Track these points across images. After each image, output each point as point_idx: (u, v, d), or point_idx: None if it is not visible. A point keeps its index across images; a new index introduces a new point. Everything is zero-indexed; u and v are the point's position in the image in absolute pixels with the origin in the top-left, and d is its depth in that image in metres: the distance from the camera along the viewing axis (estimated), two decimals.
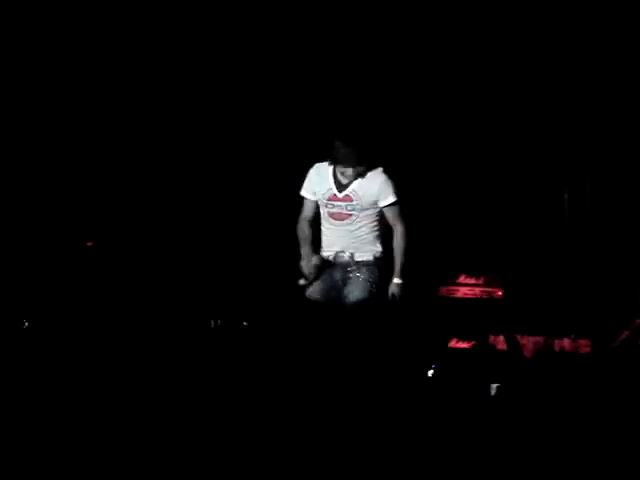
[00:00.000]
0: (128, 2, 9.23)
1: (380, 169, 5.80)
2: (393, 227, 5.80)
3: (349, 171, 5.72)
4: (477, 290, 8.90)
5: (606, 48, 9.12)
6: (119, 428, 4.99)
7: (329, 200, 5.79)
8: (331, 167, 5.74)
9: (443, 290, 8.97)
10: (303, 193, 5.84)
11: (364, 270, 5.71)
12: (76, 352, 7.57)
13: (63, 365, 7.07)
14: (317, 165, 5.83)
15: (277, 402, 5.62)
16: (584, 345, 8.47)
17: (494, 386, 6.92)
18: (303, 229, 5.84)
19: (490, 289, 8.89)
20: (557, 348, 8.35)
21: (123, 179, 9.50)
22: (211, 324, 8.82)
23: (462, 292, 8.94)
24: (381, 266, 5.73)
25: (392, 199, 5.74)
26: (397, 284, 5.72)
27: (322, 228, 5.89)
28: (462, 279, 8.99)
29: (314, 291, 5.77)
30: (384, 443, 5.28)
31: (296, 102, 9.24)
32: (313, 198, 5.81)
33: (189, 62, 9.48)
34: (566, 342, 8.39)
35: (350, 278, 5.73)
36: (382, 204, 5.74)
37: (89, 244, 9.19)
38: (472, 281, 8.95)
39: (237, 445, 4.82)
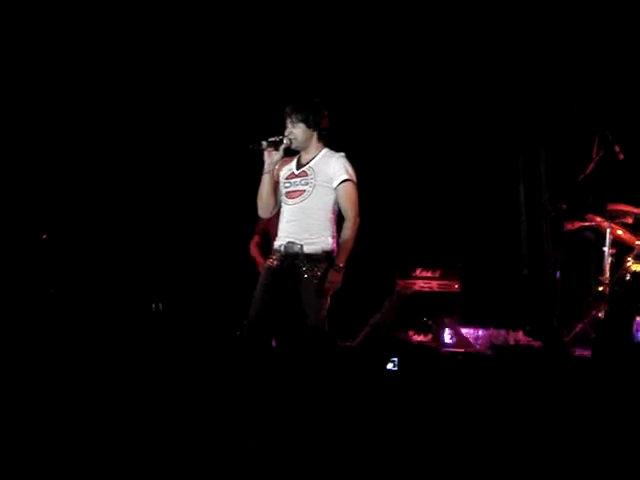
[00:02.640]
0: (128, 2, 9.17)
1: (342, 153, 5.85)
2: (344, 213, 5.80)
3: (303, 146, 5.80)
4: (434, 283, 8.92)
5: (562, 46, 9.18)
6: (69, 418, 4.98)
7: (287, 179, 5.87)
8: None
9: (400, 283, 8.98)
10: None
11: (314, 270, 5.69)
12: (29, 343, 7.52)
13: (15, 357, 7.02)
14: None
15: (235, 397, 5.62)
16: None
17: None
18: None
19: (447, 282, 8.90)
20: (512, 341, 8.38)
21: (76, 171, 9.46)
22: (153, 308, 8.80)
23: (419, 285, 8.95)
24: (330, 262, 5.72)
25: (345, 177, 5.76)
26: (334, 269, 5.69)
27: (279, 217, 5.92)
28: (419, 272, 9.00)
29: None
30: (350, 438, 5.31)
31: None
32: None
33: (180, 67, 9.47)
34: (520, 334, 8.43)
35: (299, 284, 5.71)
36: (335, 183, 5.75)
37: (44, 237, 9.11)
38: (429, 274, 8.96)
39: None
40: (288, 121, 5.87)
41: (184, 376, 6.75)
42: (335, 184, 5.76)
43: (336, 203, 5.79)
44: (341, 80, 9.50)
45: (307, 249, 5.71)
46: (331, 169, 5.79)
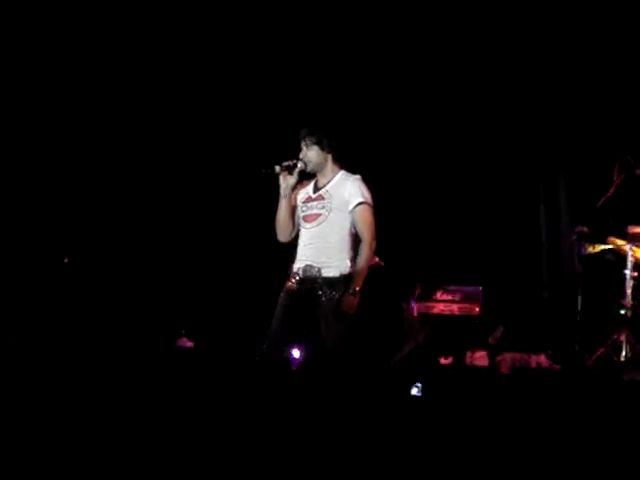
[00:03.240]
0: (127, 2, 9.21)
1: (358, 175, 5.86)
2: (360, 236, 5.80)
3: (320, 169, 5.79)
4: (454, 306, 8.90)
5: (578, 67, 9.18)
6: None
7: (304, 203, 5.89)
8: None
9: (420, 306, 8.97)
10: None
11: (332, 293, 5.69)
12: (51, 367, 7.52)
13: (36, 379, 7.03)
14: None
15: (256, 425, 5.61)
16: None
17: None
18: None
19: (467, 305, 8.89)
20: (534, 364, 8.35)
21: (99, 195, 9.48)
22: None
23: (439, 308, 8.94)
24: (348, 284, 5.73)
25: (360, 199, 5.76)
26: (350, 293, 5.70)
27: (298, 241, 5.93)
28: (439, 295, 8.99)
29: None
30: (371, 463, 5.28)
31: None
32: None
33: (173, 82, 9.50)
34: (542, 358, 8.40)
35: (317, 308, 5.71)
36: (351, 206, 5.76)
37: (65, 260, 9.14)
38: (449, 297, 8.95)
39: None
40: (302, 144, 5.89)
41: (201, 399, 6.73)
42: (351, 207, 5.77)
43: (353, 226, 5.80)
44: (358, 101, 9.52)
45: (325, 272, 5.72)
46: (347, 192, 5.81)
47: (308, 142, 5.87)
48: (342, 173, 5.92)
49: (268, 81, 9.48)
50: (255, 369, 5.84)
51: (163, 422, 5.95)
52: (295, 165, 5.85)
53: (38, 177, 9.35)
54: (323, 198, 5.83)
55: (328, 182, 5.88)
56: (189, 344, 8.69)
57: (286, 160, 5.90)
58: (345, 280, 5.71)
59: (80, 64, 9.29)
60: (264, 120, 9.46)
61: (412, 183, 9.73)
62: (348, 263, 5.76)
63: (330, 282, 5.69)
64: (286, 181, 5.85)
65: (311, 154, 5.88)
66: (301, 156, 5.88)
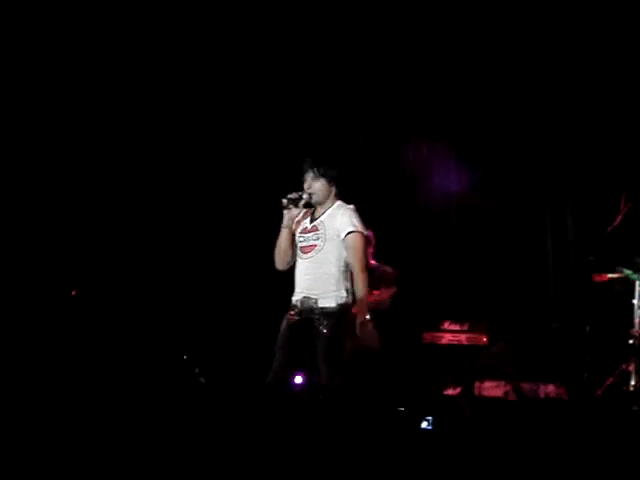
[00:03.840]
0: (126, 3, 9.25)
1: (352, 205, 5.89)
2: (350, 265, 5.82)
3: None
4: (462, 336, 8.89)
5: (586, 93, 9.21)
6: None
7: (300, 234, 5.92)
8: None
9: (427, 337, 8.96)
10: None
11: (330, 324, 5.72)
12: (60, 400, 7.53)
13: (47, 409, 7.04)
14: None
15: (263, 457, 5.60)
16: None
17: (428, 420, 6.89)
18: None
19: (475, 335, 8.87)
20: (542, 394, 8.33)
21: (104, 228, 9.50)
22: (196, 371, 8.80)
23: (447, 339, 8.93)
24: (345, 314, 5.77)
25: (350, 229, 5.79)
26: (361, 325, 5.73)
27: (295, 272, 5.96)
28: (446, 325, 8.99)
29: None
30: None
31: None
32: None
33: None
34: (551, 388, 8.37)
35: (316, 339, 5.74)
36: (342, 235, 5.79)
37: (73, 293, 9.14)
38: (457, 327, 8.94)
39: None
40: (308, 175, 5.92)
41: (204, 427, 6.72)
42: (342, 236, 5.81)
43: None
44: (362, 131, 9.57)
45: (321, 303, 5.75)
46: (338, 222, 5.85)
47: (315, 174, 5.90)
48: (338, 204, 5.96)
49: (272, 103, 9.52)
50: (261, 401, 5.85)
51: (171, 447, 5.94)
52: (301, 197, 5.88)
53: (43, 202, 9.36)
54: (317, 229, 5.88)
55: (323, 213, 5.93)
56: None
57: (291, 192, 5.93)
58: (341, 310, 5.75)
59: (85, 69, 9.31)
60: (269, 148, 9.49)
61: (419, 216, 9.76)
62: (344, 293, 5.81)
63: (327, 313, 5.73)
64: (290, 213, 5.89)
65: (317, 186, 5.91)
66: (306, 187, 5.91)
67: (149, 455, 5.67)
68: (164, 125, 9.54)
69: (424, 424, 6.91)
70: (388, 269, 8.20)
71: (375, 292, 7.87)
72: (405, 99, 9.57)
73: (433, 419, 6.77)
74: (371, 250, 8.25)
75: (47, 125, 9.29)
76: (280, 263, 6.01)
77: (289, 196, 5.87)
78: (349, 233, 5.79)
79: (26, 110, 9.18)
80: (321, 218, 5.91)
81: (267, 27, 9.28)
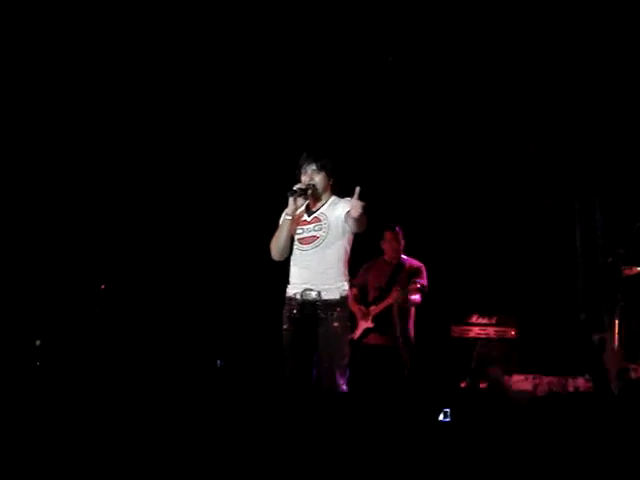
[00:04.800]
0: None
1: (348, 198, 5.91)
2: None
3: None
4: (490, 330, 8.86)
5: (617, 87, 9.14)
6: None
7: (299, 226, 5.93)
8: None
9: (455, 330, 8.94)
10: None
11: (333, 317, 5.72)
12: (87, 398, 7.58)
13: (72, 410, 7.08)
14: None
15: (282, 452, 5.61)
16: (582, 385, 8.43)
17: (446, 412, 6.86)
18: None
19: (503, 329, 8.85)
20: (571, 387, 8.29)
21: (135, 224, 9.57)
22: (217, 364, 8.85)
23: (475, 332, 8.90)
24: (347, 307, 5.78)
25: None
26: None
27: (291, 264, 5.95)
28: (475, 319, 8.96)
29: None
30: None
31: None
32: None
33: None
34: (580, 381, 8.34)
35: (320, 331, 5.74)
36: (344, 213, 5.79)
37: (102, 287, 9.21)
38: (485, 321, 8.92)
39: None
40: (309, 168, 5.95)
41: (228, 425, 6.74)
42: (344, 213, 5.82)
43: (348, 245, 5.87)
44: (384, 126, 9.55)
45: (325, 295, 5.77)
46: (339, 209, 5.89)
47: (315, 167, 5.94)
48: (334, 198, 6.04)
49: (268, 100, 9.52)
50: (282, 395, 5.86)
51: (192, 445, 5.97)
52: (308, 188, 5.92)
53: (70, 205, 9.45)
54: (319, 220, 5.92)
55: (322, 205, 5.97)
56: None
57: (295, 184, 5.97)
58: (344, 302, 5.77)
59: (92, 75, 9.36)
60: (266, 148, 9.51)
61: (447, 208, 9.73)
62: (345, 285, 5.85)
63: (330, 304, 5.74)
64: (296, 203, 5.91)
65: (318, 179, 5.97)
66: (307, 180, 5.94)
67: (166, 446, 5.70)
68: (180, 124, 9.61)
69: (441, 416, 6.90)
70: (416, 263, 8.22)
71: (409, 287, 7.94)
72: (430, 92, 9.52)
73: (451, 411, 6.76)
74: (401, 245, 8.26)
75: (67, 130, 9.41)
76: (279, 254, 6.02)
77: (298, 186, 5.90)
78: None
79: (42, 112, 9.29)
80: (321, 210, 5.96)
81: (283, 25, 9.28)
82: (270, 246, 6.03)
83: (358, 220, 5.68)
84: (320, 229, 5.89)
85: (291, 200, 5.87)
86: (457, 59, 9.26)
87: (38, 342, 8.65)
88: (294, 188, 5.88)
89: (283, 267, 6.12)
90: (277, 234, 5.98)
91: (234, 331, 9.46)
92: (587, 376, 8.36)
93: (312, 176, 5.93)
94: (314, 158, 5.96)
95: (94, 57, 9.29)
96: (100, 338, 8.91)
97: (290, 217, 5.93)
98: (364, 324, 8.11)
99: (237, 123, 9.63)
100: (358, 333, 8.10)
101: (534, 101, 9.48)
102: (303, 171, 5.97)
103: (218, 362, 8.80)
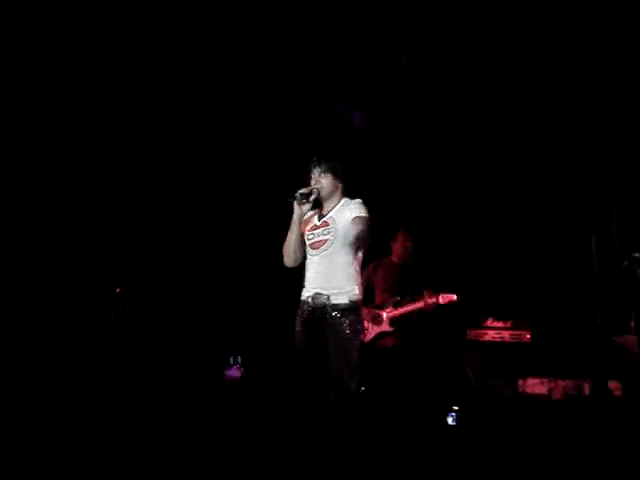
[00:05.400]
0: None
1: (359, 200, 5.91)
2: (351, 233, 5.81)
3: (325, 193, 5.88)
4: (505, 333, 8.85)
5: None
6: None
7: (309, 231, 5.95)
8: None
9: (471, 333, 8.93)
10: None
11: (342, 321, 5.71)
12: (100, 399, 7.61)
13: (85, 408, 7.11)
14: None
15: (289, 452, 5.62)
16: (615, 388, 8.39)
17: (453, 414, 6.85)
18: None
19: (518, 332, 8.83)
20: (587, 391, 8.27)
21: (150, 227, 9.61)
22: (230, 361, 8.86)
23: (490, 335, 8.89)
24: (357, 311, 5.75)
25: (358, 214, 5.81)
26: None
27: (305, 268, 5.96)
28: (490, 322, 8.95)
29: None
30: None
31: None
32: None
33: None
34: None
35: (330, 335, 5.74)
36: (350, 219, 5.80)
37: (117, 290, 9.23)
38: (500, 324, 8.90)
39: None
40: (315, 171, 5.96)
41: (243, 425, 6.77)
42: (350, 220, 5.82)
43: (359, 250, 5.86)
44: (397, 128, 9.54)
45: (334, 300, 5.76)
46: (348, 212, 5.88)
47: (322, 170, 5.95)
48: (345, 200, 6.01)
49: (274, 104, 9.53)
50: (292, 397, 5.86)
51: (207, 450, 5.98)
52: (311, 192, 5.91)
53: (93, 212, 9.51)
54: (328, 224, 5.92)
55: (332, 208, 5.96)
56: (237, 374, 8.71)
57: (300, 188, 5.96)
58: (355, 307, 5.76)
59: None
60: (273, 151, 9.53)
61: (464, 212, 9.72)
62: (356, 290, 5.81)
63: (339, 308, 5.74)
64: (300, 208, 5.91)
65: (324, 181, 5.97)
66: (313, 183, 5.95)
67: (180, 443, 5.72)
68: (191, 127, 9.64)
69: (449, 420, 6.88)
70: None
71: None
72: (444, 93, 9.52)
73: (458, 414, 6.74)
74: (410, 247, 8.25)
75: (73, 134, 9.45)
76: (289, 260, 6.01)
77: (301, 191, 5.90)
78: (356, 217, 5.82)
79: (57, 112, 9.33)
80: (330, 214, 5.95)
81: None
82: (282, 252, 6.03)
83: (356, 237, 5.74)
84: (328, 233, 5.88)
85: (295, 205, 5.88)
86: (471, 59, 9.25)
87: (51, 362, 8.70)
88: (296, 193, 5.88)
89: (300, 271, 6.12)
90: (286, 239, 5.99)
91: (250, 333, 9.46)
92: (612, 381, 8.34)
93: (319, 179, 5.93)
94: (320, 161, 5.96)
95: (94, 57, 9.30)
96: (116, 341, 8.92)
97: (295, 222, 5.92)
98: (377, 328, 8.08)
99: (254, 126, 9.64)
100: (370, 336, 8.08)
101: (550, 104, 9.46)
102: (312, 175, 5.98)
103: (231, 359, 8.80)
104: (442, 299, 7.89)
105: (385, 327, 8.07)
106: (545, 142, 9.61)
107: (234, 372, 8.59)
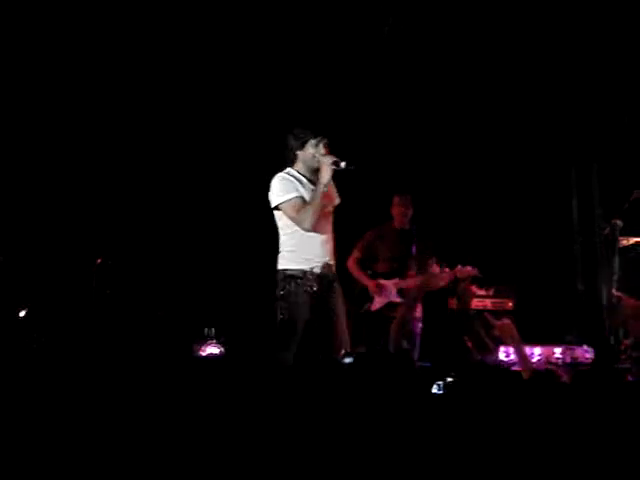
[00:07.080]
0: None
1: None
2: None
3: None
4: (487, 301, 8.86)
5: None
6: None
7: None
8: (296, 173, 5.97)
9: (453, 302, 8.93)
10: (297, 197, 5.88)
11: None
12: (79, 368, 7.59)
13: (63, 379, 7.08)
14: (282, 175, 5.93)
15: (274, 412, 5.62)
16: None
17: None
18: None
19: (500, 300, 8.84)
20: (569, 358, 8.32)
21: (130, 198, 9.58)
22: (205, 332, 8.87)
23: (473, 304, 8.90)
24: None
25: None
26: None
27: (299, 240, 5.92)
28: (472, 290, 8.95)
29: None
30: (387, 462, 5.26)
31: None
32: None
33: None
34: (578, 352, 8.37)
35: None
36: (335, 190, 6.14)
37: (98, 261, 9.21)
38: (482, 292, 8.90)
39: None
40: (325, 145, 6.00)
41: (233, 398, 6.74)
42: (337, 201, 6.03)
43: None
44: (382, 102, 9.50)
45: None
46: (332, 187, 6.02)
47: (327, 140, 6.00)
48: None
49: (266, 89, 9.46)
50: (279, 368, 5.87)
51: (186, 430, 5.96)
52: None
53: (68, 181, 9.47)
54: (330, 196, 6.00)
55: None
56: (216, 349, 8.70)
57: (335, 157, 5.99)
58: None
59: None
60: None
61: (443, 176, 9.69)
62: None
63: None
64: (330, 174, 5.88)
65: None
66: (337, 158, 5.94)
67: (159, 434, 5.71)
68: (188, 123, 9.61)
69: (434, 389, 6.90)
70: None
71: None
72: (426, 66, 9.45)
73: (444, 383, 6.76)
74: (410, 211, 8.23)
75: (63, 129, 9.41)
76: (313, 224, 5.95)
77: (340, 161, 5.90)
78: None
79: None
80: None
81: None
82: (303, 217, 5.90)
83: None
84: (330, 203, 5.99)
85: (330, 171, 5.83)
86: (456, 30, 9.19)
87: (22, 313, 8.66)
88: (342, 162, 5.87)
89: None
90: (317, 204, 5.86)
91: (228, 304, 9.47)
92: (585, 347, 8.39)
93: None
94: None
95: (94, 57, 9.26)
96: (97, 311, 8.92)
97: (325, 187, 5.88)
98: (384, 299, 8.08)
99: (233, 111, 9.58)
100: (377, 306, 8.10)
101: (532, 69, 9.41)
102: (325, 143, 5.98)
103: (206, 330, 8.81)
104: (459, 273, 7.95)
105: (394, 297, 8.09)
106: (526, 106, 9.57)
107: (212, 348, 8.57)
